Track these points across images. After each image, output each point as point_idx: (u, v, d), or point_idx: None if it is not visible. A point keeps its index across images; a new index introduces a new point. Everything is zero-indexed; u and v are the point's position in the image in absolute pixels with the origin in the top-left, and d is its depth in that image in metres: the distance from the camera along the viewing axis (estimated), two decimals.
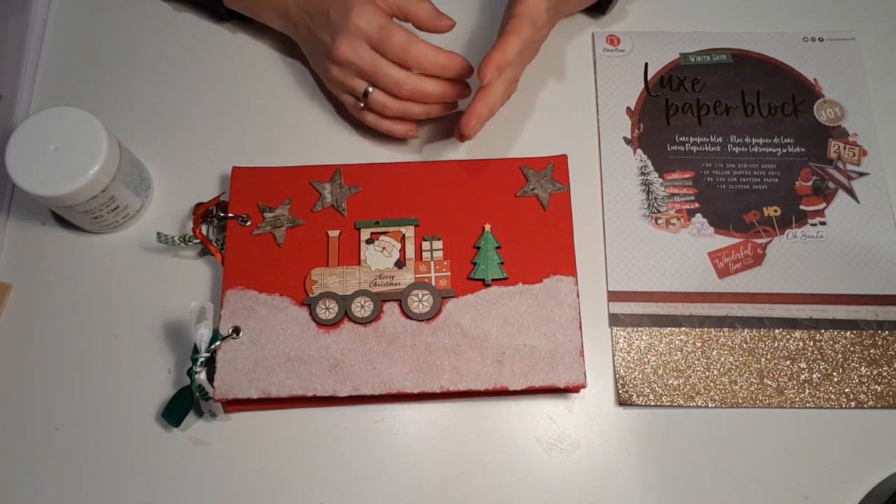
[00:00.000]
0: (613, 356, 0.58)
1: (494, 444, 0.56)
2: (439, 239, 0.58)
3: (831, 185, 0.63)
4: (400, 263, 0.58)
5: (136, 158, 0.61)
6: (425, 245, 0.58)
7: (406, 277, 0.57)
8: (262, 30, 0.69)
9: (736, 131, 0.65)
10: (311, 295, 0.56)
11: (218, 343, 0.54)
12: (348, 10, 0.56)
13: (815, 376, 0.58)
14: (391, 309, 0.56)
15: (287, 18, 0.63)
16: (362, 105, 0.60)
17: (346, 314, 0.56)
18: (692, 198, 0.63)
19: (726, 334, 0.59)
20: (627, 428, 0.57)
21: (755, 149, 0.64)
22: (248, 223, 0.59)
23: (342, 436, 0.56)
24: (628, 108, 0.66)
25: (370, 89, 0.58)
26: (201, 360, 0.53)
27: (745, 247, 0.61)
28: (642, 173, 0.64)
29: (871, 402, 0.57)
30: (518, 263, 0.57)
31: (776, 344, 0.58)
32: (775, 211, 0.62)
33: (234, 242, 0.58)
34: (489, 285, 0.57)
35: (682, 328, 0.59)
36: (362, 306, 0.56)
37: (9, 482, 0.55)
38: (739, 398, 0.57)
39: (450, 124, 0.65)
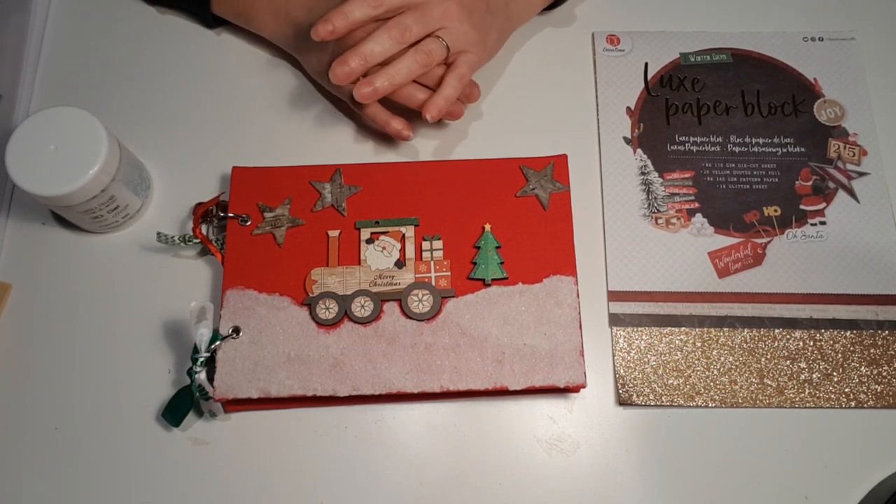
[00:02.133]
0: (613, 356, 0.58)
1: (494, 444, 0.56)
2: (439, 239, 0.58)
3: (831, 184, 0.63)
4: (400, 263, 0.58)
5: (136, 158, 0.61)
6: (425, 245, 0.58)
7: (406, 277, 0.57)
8: None
9: (736, 131, 0.65)
10: (311, 295, 0.56)
11: (218, 343, 0.54)
12: None
13: (815, 376, 0.58)
14: (391, 309, 0.56)
15: (287, 19, 0.63)
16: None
17: (346, 314, 0.56)
18: (692, 198, 0.63)
19: (726, 334, 0.59)
20: (627, 428, 0.57)
21: (755, 149, 0.64)
22: (248, 223, 0.59)
23: (342, 436, 0.56)
24: (628, 108, 0.66)
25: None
26: (201, 360, 0.53)
27: (745, 247, 0.61)
28: (642, 173, 0.64)
29: (871, 402, 0.57)
30: (518, 263, 0.57)
31: (776, 344, 0.58)
32: (775, 211, 0.62)
33: (234, 242, 0.58)
34: (489, 285, 0.57)
35: (682, 328, 0.59)
36: (362, 306, 0.56)
37: (9, 482, 0.55)
38: (739, 398, 0.57)
39: (450, 127, 0.65)
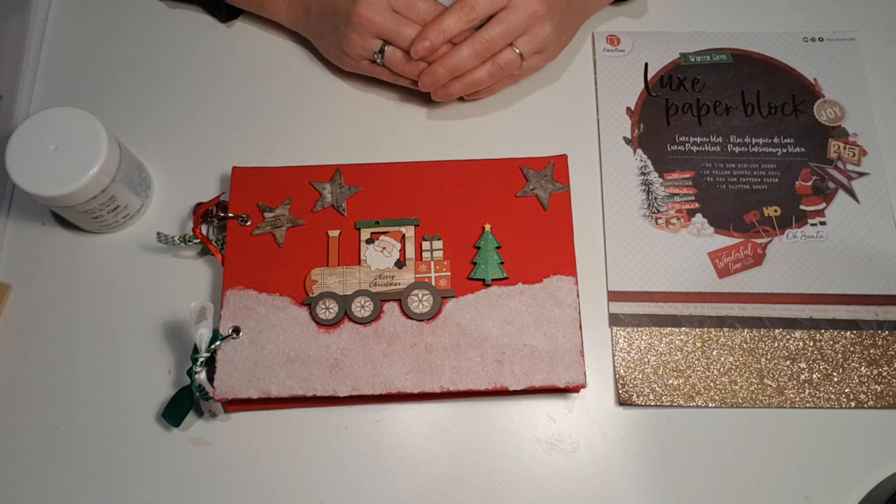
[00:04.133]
0: (613, 356, 0.58)
1: (494, 444, 0.56)
2: (439, 239, 0.58)
3: (831, 185, 0.63)
4: (400, 263, 0.58)
5: (136, 158, 0.61)
6: (425, 245, 0.58)
7: (406, 277, 0.57)
8: (262, 29, 0.69)
9: (736, 131, 0.65)
10: (311, 295, 0.56)
11: (218, 343, 0.54)
12: None
13: (815, 376, 0.58)
14: (391, 309, 0.56)
15: (297, 4, 0.63)
16: (379, 62, 0.61)
17: (346, 314, 0.56)
18: (692, 198, 0.63)
19: (726, 334, 0.59)
20: (627, 428, 0.57)
21: (755, 149, 0.64)
22: (248, 223, 0.59)
23: (342, 436, 0.56)
24: (628, 108, 0.66)
25: (386, 48, 0.60)
26: (201, 360, 0.53)
27: (745, 247, 0.61)
28: (642, 173, 0.64)
29: (871, 402, 0.57)
30: (518, 263, 0.57)
31: (776, 344, 0.58)
32: (775, 211, 0.62)
33: (234, 242, 0.58)
34: (489, 285, 0.57)
35: (682, 328, 0.59)
36: (362, 306, 0.56)
37: (9, 482, 0.55)
38: (739, 398, 0.57)
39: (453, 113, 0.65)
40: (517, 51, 0.59)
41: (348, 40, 0.60)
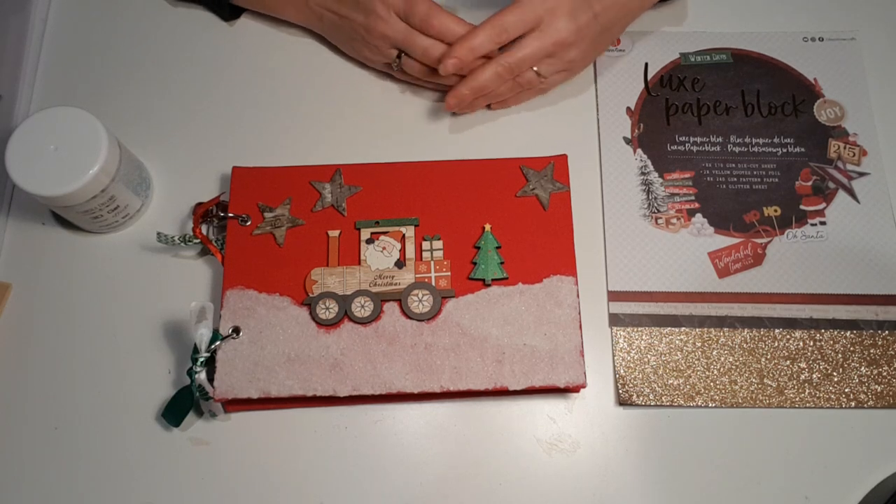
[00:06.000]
0: (613, 356, 0.58)
1: (494, 444, 0.56)
2: (439, 239, 0.58)
3: (831, 184, 0.63)
4: (400, 263, 0.58)
5: (136, 158, 0.61)
6: (425, 245, 0.58)
7: (406, 277, 0.57)
8: (262, 29, 0.69)
9: (736, 131, 0.65)
10: (311, 295, 0.56)
11: (218, 343, 0.54)
12: None
13: (815, 376, 0.58)
14: (391, 309, 0.56)
15: (308, 10, 0.64)
16: (396, 69, 0.63)
17: (346, 314, 0.56)
18: (692, 198, 0.63)
19: (726, 334, 0.59)
20: (627, 428, 0.57)
21: (755, 149, 0.64)
22: (248, 223, 0.59)
23: (342, 436, 0.56)
24: (628, 108, 0.66)
25: (401, 58, 0.62)
26: (201, 360, 0.53)
27: (745, 247, 0.61)
28: (642, 173, 0.64)
29: (871, 402, 0.57)
30: (518, 263, 0.57)
31: (776, 344, 0.58)
32: (775, 211, 0.62)
33: (234, 242, 0.58)
34: (489, 285, 0.57)
35: (682, 328, 0.59)
36: (362, 306, 0.56)
37: (9, 482, 0.55)
38: (739, 398, 0.57)
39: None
40: (535, 69, 0.61)
41: (366, 50, 0.63)
